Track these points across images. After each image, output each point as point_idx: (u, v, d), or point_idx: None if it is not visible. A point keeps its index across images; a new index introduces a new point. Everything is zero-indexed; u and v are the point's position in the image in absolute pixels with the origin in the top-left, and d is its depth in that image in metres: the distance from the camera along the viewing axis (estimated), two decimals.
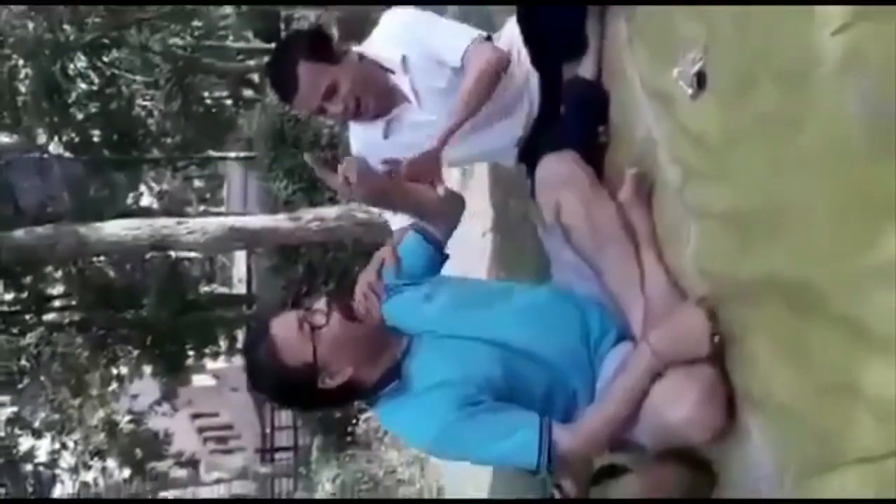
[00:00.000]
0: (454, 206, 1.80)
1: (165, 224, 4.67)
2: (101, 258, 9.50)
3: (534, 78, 1.89)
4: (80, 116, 10.16)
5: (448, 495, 5.22)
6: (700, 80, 1.39)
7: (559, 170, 1.62)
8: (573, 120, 1.78)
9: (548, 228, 1.68)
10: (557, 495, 1.95)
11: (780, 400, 1.28)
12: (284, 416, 13.04)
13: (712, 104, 1.38)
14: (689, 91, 1.41)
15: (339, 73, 1.82)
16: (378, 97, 1.87)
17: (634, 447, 1.52)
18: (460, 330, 1.55)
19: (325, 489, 6.79)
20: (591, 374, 1.53)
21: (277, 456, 13.81)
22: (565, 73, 1.84)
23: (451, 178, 2.08)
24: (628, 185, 1.60)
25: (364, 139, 1.98)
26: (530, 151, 1.87)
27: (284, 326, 1.48)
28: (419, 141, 1.76)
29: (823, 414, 1.18)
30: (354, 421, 7.31)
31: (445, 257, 1.77)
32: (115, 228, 4.63)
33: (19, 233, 4.84)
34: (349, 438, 7.28)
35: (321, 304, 1.49)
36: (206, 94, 11.06)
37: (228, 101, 11.93)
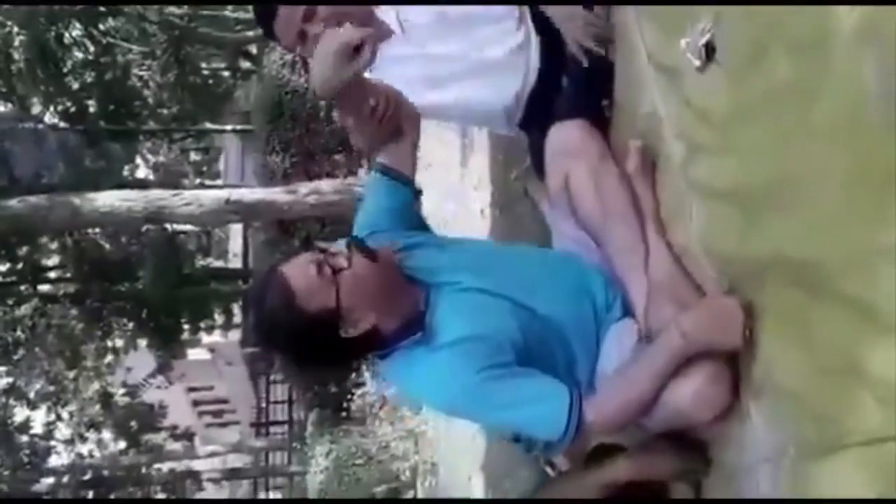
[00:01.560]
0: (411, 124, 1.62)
1: (160, 196, 4.62)
2: (97, 230, 9.45)
3: (535, 40, 1.82)
4: (75, 86, 10.05)
5: (442, 471, 5.24)
6: (708, 51, 1.35)
7: (570, 138, 1.58)
8: (576, 92, 1.74)
9: (552, 199, 1.64)
10: (550, 472, 1.94)
11: (782, 381, 1.26)
12: (280, 391, 13.09)
13: (720, 76, 1.34)
14: (697, 63, 1.37)
15: None
16: (361, 23, 1.81)
17: (634, 426, 1.50)
18: (487, 285, 1.44)
19: (318, 463, 6.82)
20: (594, 346, 1.50)
21: (272, 430, 13.88)
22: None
23: (452, 151, 2.03)
24: (634, 157, 1.56)
25: None
26: (530, 122, 1.83)
27: (301, 271, 1.31)
28: (403, 77, 1.68)
29: (826, 396, 1.16)
30: (349, 396, 7.32)
31: (418, 192, 1.64)
32: (109, 199, 4.58)
33: (13, 202, 4.79)
34: (344, 413, 7.30)
35: (340, 246, 1.35)
36: (202, 64, 10.93)
37: (226, 73, 11.81)
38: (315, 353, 1.41)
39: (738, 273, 1.34)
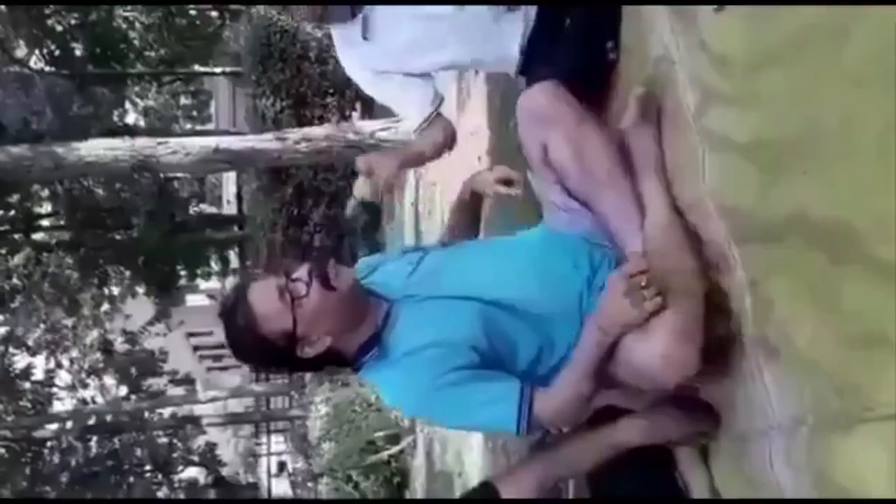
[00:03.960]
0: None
1: (146, 144, 4.47)
2: (88, 178, 9.31)
3: None
4: (59, 28, 9.76)
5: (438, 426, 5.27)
6: None
7: (540, 105, 1.46)
8: (578, 33, 1.61)
9: (535, 170, 1.55)
10: (552, 430, 1.89)
11: (801, 347, 1.18)
12: None
13: (740, 17, 1.22)
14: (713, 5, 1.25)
15: None
16: None
17: (627, 386, 1.44)
18: (441, 290, 1.49)
19: (318, 410, 6.87)
20: (579, 321, 1.44)
21: (273, 375, 14.02)
22: None
23: (448, 97, 1.93)
24: (632, 109, 1.45)
25: (348, 44, 1.85)
26: (530, 66, 1.71)
27: (264, 296, 1.43)
28: (402, 39, 1.69)
29: (849, 365, 1.09)
30: None
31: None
32: (94, 149, 4.44)
33: None
34: None
35: (302, 272, 1.43)
36: (189, 5, 10.60)
37: (213, 13, 11.45)
38: (277, 366, 1.60)
39: (754, 233, 1.25)
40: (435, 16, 1.73)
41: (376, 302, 1.50)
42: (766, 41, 1.17)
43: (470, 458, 4.21)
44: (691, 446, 1.52)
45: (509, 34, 1.72)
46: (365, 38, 1.78)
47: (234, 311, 1.46)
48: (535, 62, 1.72)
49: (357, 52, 1.82)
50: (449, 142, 1.91)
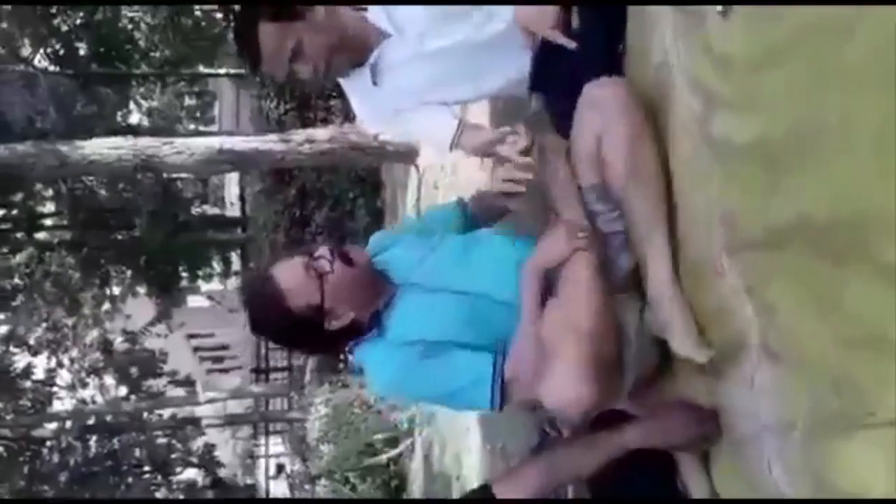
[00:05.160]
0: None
1: (150, 144, 4.48)
2: (91, 178, 9.32)
3: None
4: (64, 28, 9.77)
5: (440, 421, 5.26)
6: None
7: (609, 98, 1.45)
8: (589, 36, 1.60)
9: (575, 158, 1.52)
10: (550, 432, 1.88)
11: (801, 351, 1.18)
12: None
13: (745, 19, 1.22)
14: (719, 7, 1.25)
15: (305, 30, 1.65)
16: (352, 48, 1.73)
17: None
18: (447, 285, 1.55)
19: (318, 410, 6.86)
20: None
21: (272, 376, 14.00)
22: None
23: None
24: None
25: (360, 94, 1.86)
26: (540, 73, 1.70)
27: (291, 273, 1.52)
28: (415, 81, 1.71)
29: (849, 369, 1.08)
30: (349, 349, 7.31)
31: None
32: (98, 147, 4.44)
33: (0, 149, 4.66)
34: (343, 365, 7.32)
35: (324, 250, 1.54)
36: (195, 6, 10.61)
37: (219, 15, 11.46)
38: (303, 342, 1.71)
39: (757, 237, 1.24)
40: (441, 49, 1.73)
41: (384, 282, 1.59)
42: (768, 41, 1.16)
43: (469, 461, 4.20)
44: (694, 452, 1.51)
45: (518, 51, 1.73)
46: (375, 83, 1.78)
47: (260, 290, 1.55)
48: (543, 74, 1.72)
49: (370, 99, 1.82)
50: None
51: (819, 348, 1.14)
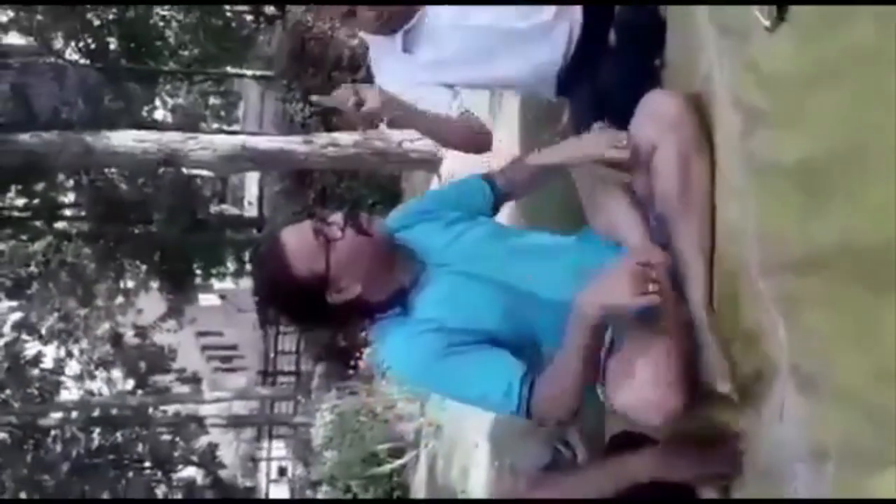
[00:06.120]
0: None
1: (174, 138, 4.50)
2: (113, 170, 9.39)
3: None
4: (96, 22, 9.90)
5: (447, 435, 5.22)
6: (780, 9, 1.20)
7: (668, 110, 1.44)
8: (625, 50, 1.59)
9: (630, 162, 1.48)
10: (563, 451, 1.85)
11: (837, 381, 1.14)
12: (288, 342, 13.14)
13: (792, 38, 1.19)
14: (766, 23, 1.23)
15: None
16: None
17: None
18: (477, 269, 1.46)
19: (323, 416, 6.82)
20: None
21: (279, 380, 13.99)
22: None
23: (480, 113, 1.91)
24: None
25: (388, 66, 1.85)
26: (572, 82, 1.69)
27: (298, 236, 1.42)
28: (445, 51, 1.68)
29: (885, 403, 1.04)
30: (358, 354, 7.30)
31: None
32: (123, 139, 4.47)
33: (25, 137, 4.70)
34: (352, 371, 7.29)
35: (337, 217, 1.44)
36: (226, 6, 10.72)
37: (249, 17, 11.58)
38: (301, 314, 1.55)
39: (793, 258, 1.21)
40: (480, 27, 1.72)
41: (408, 259, 1.48)
42: (815, 62, 1.14)
43: (476, 476, 4.15)
44: (707, 487, 1.47)
45: (553, 47, 1.71)
46: (405, 50, 1.78)
47: (267, 252, 1.47)
48: (575, 80, 1.70)
49: (396, 64, 1.82)
50: (478, 139, 1.88)
51: (854, 378, 1.10)
